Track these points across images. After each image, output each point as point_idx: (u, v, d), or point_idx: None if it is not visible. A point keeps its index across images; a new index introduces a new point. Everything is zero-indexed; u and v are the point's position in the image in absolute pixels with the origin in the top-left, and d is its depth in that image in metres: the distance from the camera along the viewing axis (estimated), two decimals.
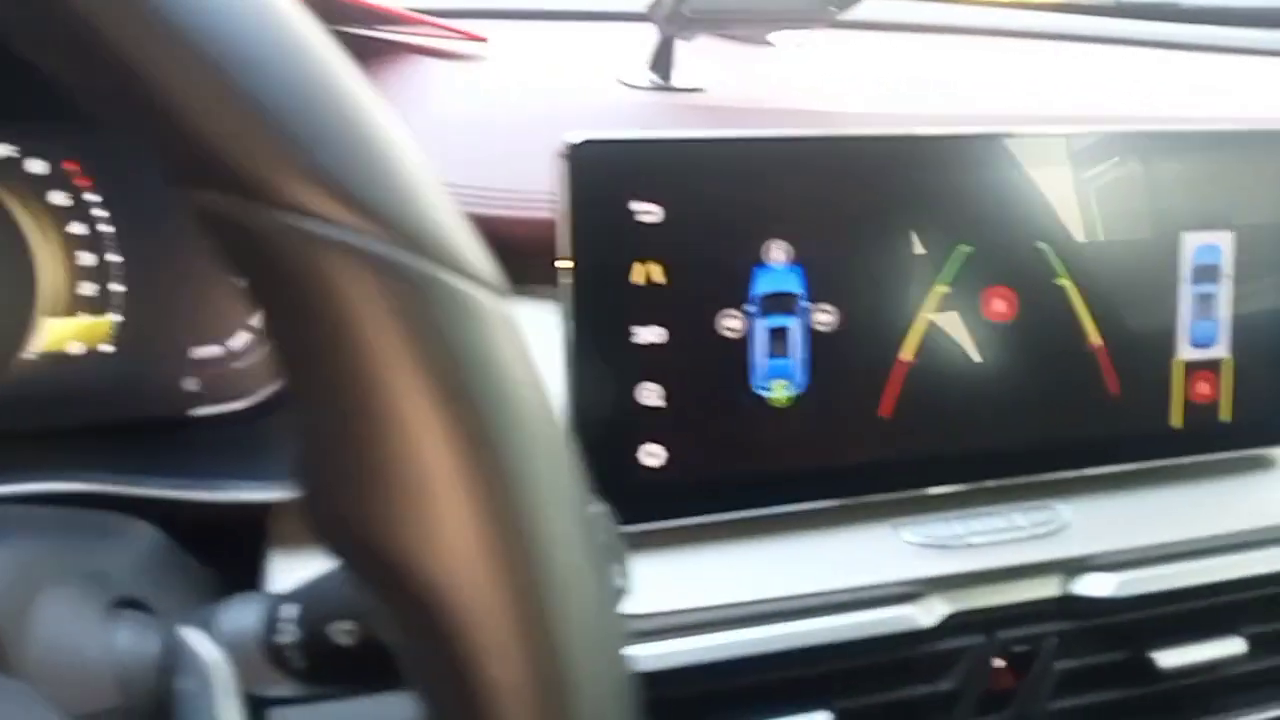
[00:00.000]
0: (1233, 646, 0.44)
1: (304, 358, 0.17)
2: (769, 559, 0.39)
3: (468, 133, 0.48)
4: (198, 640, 0.27)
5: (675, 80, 0.52)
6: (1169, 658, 0.43)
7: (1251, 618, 0.45)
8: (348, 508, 0.17)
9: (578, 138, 0.34)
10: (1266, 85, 0.72)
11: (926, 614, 0.39)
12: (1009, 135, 0.40)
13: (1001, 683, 0.42)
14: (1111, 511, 0.44)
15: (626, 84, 0.52)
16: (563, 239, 0.35)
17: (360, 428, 0.17)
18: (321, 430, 0.17)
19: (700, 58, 0.61)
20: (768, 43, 0.67)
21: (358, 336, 0.16)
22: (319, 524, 0.18)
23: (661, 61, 0.51)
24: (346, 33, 0.55)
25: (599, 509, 0.27)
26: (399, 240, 0.17)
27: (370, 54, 0.54)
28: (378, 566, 0.17)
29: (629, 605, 0.35)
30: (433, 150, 0.46)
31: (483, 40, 0.57)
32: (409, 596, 0.17)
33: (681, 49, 0.54)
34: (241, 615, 0.28)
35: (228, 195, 0.16)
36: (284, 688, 0.28)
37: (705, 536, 0.39)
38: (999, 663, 0.42)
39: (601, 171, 0.35)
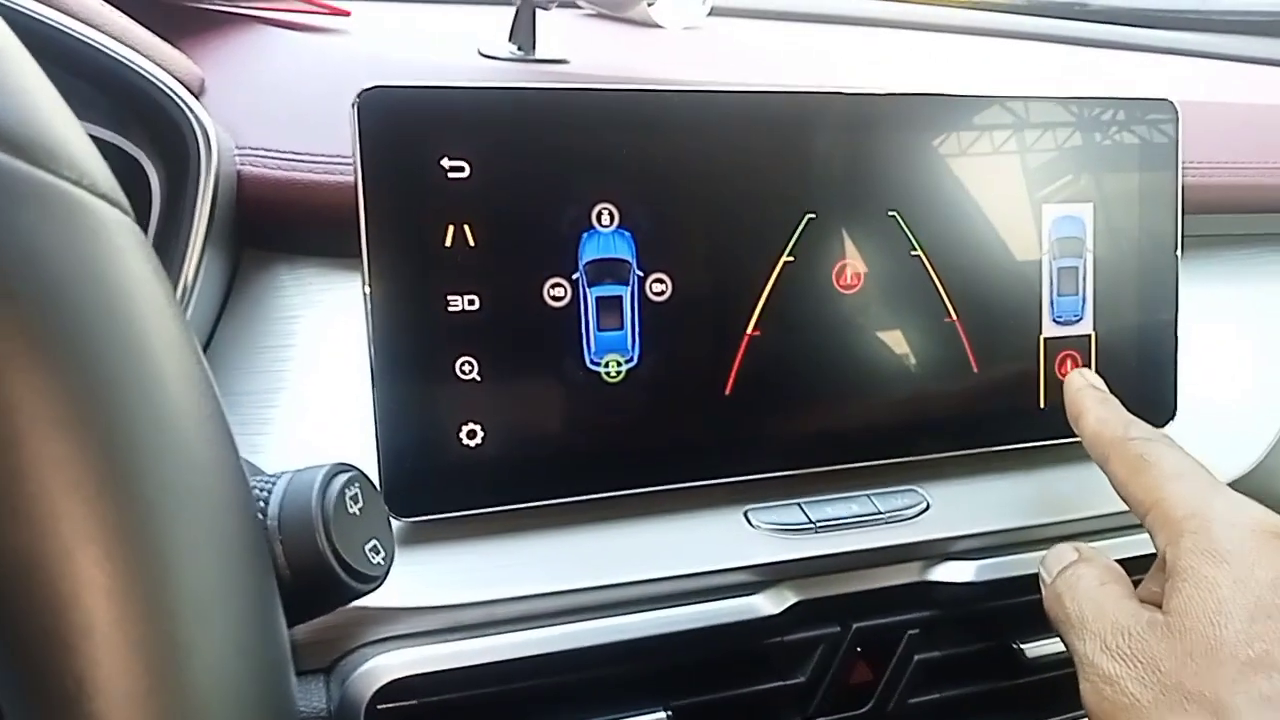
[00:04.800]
0: None
1: None
2: (602, 546, 0.36)
3: (320, 103, 0.45)
4: None
5: (540, 53, 0.50)
6: (1036, 648, 0.41)
7: None
8: None
9: (368, 85, 0.31)
10: (1153, 79, 0.72)
11: (773, 603, 0.37)
12: (860, 96, 0.38)
13: (859, 676, 0.40)
14: (977, 496, 0.42)
15: (487, 55, 0.50)
16: (359, 199, 0.32)
17: None
18: None
19: (578, 37, 0.59)
20: (658, 25, 0.65)
21: None
22: None
23: (522, 32, 0.49)
24: (201, 8, 0.52)
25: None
26: None
27: (225, 26, 0.51)
28: None
29: (412, 594, 0.32)
30: (281, 119, 0.44)
31: (345, 14, 0.55)
32: None
33: (558, 29, 0.52)
34: None
35: None
36: None
37: (533, 523, 0.36)
38: (858, 656, 0.40)
39: (399, 124, 0.32)
